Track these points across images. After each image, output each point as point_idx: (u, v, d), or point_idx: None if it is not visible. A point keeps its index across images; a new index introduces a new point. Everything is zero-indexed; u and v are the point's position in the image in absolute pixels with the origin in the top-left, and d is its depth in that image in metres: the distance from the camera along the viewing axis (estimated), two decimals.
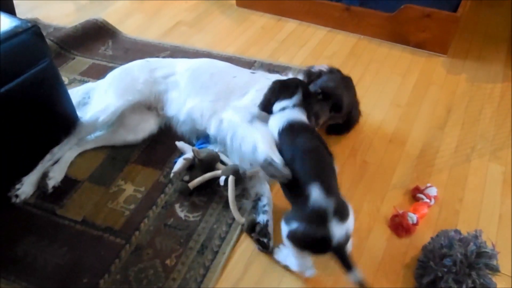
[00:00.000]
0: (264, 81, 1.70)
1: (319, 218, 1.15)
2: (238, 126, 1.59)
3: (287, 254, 1.34)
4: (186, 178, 1.61)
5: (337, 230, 1.14)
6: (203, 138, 1.81)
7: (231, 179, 1.54)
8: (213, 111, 1.71)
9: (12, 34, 1.43)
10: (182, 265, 1.39)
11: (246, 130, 1.55)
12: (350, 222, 1.20)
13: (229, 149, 1.66)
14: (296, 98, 1.48)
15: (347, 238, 1.18)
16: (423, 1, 2.26)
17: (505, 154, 1.76)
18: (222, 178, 1.55)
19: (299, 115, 1.45)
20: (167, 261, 1.40)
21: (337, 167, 1.36)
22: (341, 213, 1.17)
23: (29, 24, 1.48)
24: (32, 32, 1.48)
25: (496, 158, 1.75)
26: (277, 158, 1.34)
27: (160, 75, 1.85)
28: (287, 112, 1.46)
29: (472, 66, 2.26)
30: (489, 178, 1.67)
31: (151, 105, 1.83)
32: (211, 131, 1.70)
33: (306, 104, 1.49)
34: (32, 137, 1.61)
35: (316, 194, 1.18)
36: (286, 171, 1.30)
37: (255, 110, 1.58)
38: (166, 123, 1.87)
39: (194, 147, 1.65)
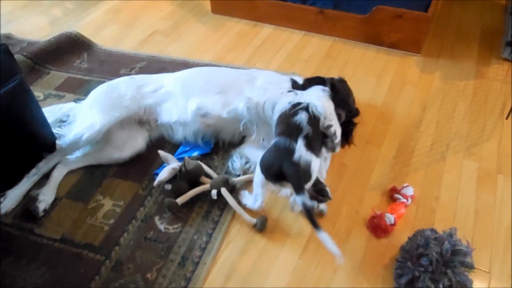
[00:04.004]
0: (264, 72, 1.85)
1: (294, 131, 1.42)
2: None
3: (247, 195, 1.54)
4: (168, 187, 1.62)
5: (302, 150, 1.37)
6: (184, 145, 1.82)
7: (224, 191, 1.56)
8: (224, 101, 1.73)
9: None
10: (163, 278, 1.38)
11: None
12: (314, 160, 1.39)
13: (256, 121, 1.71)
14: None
15: (306, 165, 1.36)
16: (395, 2, 2.30)
17: (479, 150, 1.80)
18: (214, 192, 1.56)
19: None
20: (148, 275, 1.39)
21: None
22: (311, 146, 1.39)
23: None
24: (0, 52, 1.47)
25: (470, 155, 1.78)
26: None
27: (148, 90, 1.83)
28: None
29: (445, 64, 2.31)
30: (464, 175, 1.70)
31: (141, 119, 1.82)
32: (239, 108, 1.71)
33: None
34: (9, 154, 1.58)
35: (302, 116, 1.47)
36: None
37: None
38: (156, 136, 1.86)
39: (186, 157, 1.66)
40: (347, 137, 1.79)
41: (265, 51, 2.45)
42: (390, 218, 1.48)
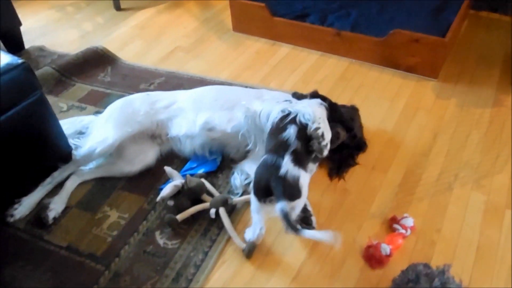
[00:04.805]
0: (272, 92, 1.89)
1: (281, 148, 1.44)
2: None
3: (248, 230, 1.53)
4: (171, 203, 1.67)
5: (289, 165, 1.39)
6: (192, 161, 1.88)
7: (222, 211, 1.60)
8: (230, 117, 1.79)
9: (3, 71, 1.53)
10: None
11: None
12: (303, 175, 1.41)
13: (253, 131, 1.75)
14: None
15: (294, 179, 1.38)
16: (413, 26, 2.28)
17: (489, 182, 1.74)
18: (213, 211, 1.60)
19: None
20: None
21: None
22: (299, 161, 1.41)
23: (19, 61, 1.58)
24: (22, 68, 1.58)
25: (479, 187, 1.73)
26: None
27: (161, 106, 1.91)
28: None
29: (462, 90, 2.25)
30: (470, 208, 1.65)
31: (153, 133, 1.90)
32: (239, 118, 1.77)
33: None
34: (26, 163, 1.69)
35: (290, 130, 1.49)
36: None
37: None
38: (166, 151, 1.92)
39: (188, 174, 1.71)
40: (339, 169, 1.79)
41: (281, 70, 2.48)
42: (385, 248, 1.46)
